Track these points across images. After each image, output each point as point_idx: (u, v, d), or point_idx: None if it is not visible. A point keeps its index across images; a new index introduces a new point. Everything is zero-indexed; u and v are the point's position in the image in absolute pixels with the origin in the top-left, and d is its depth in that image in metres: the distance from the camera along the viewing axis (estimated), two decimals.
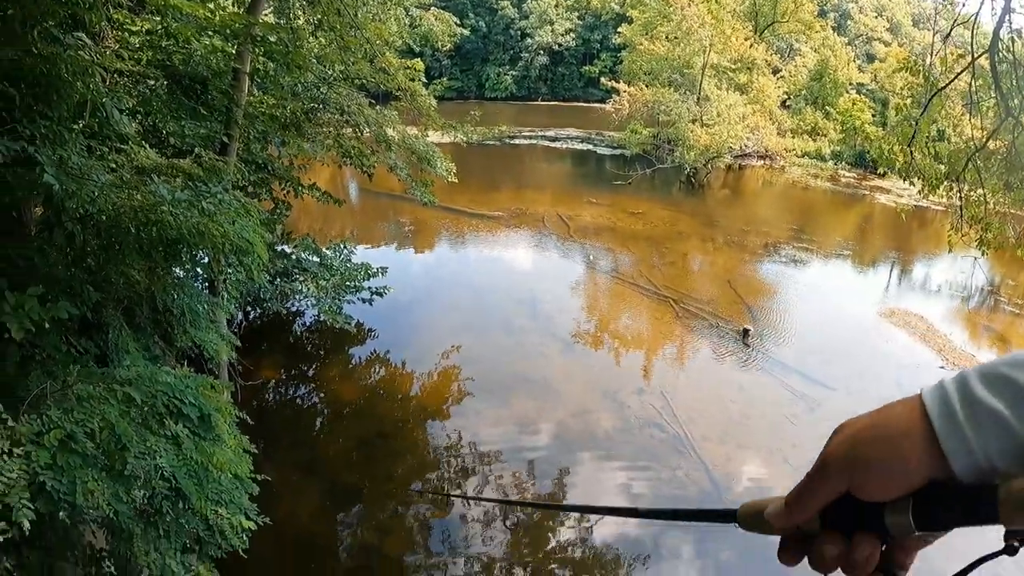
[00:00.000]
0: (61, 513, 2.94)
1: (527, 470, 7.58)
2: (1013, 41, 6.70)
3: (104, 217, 4.06)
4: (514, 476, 7.45)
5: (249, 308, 9.94)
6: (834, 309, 12.65)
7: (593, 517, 6.79)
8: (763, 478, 7.64)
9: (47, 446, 3.03)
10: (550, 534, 6.59)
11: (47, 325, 3.42)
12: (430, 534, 6.53)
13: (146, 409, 3.83)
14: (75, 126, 3.89)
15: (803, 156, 28.07)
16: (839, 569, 0.54)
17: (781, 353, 10.56)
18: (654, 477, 7.57)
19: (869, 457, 0.52)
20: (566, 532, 6.64)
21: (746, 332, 11.10)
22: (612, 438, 8.37)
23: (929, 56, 7.50)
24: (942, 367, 10.09)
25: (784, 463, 7.92)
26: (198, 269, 7.55)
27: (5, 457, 2.79)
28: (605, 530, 6.63)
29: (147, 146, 4.82)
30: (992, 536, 0.51)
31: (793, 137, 28.76)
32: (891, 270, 15.27)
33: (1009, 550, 0.51)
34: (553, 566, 6.18)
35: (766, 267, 14.97)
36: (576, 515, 6.86)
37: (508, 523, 6.68)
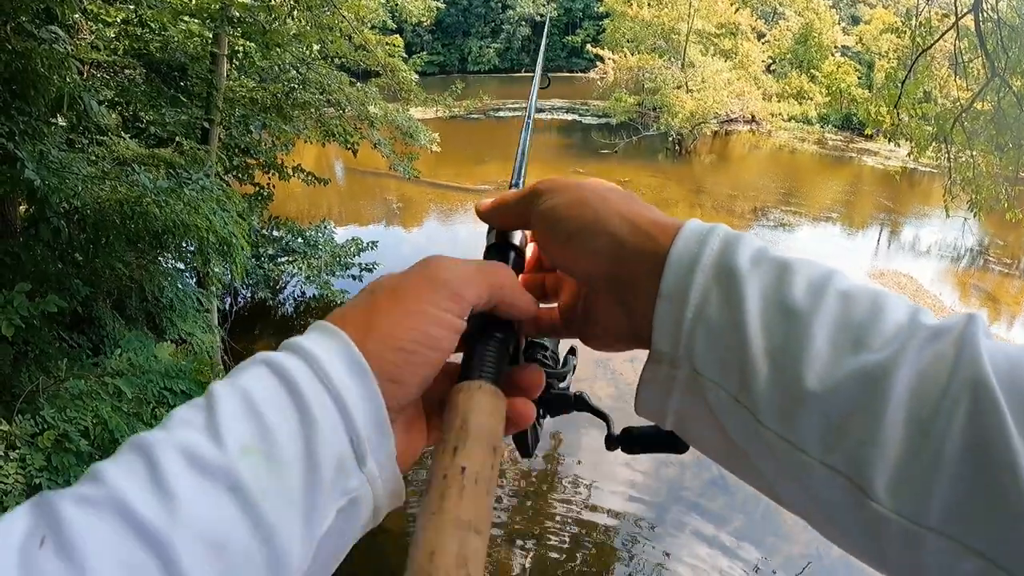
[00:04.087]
0: None
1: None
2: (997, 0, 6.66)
3: (88, 211, 4.02)
4: (509, 449, 7.45)
5: (240, 294, 9.88)
6: None
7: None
8: None
9: (42, 447, 3.03)
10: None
11: (36, 322, 3.40)
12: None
13: (137, 400, 3.82)
14: (54, 120, 3.83)
15: (789, 120, 27.86)
16: None
17: None
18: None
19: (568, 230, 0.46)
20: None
21: None
22: (608, 408, 8.34)
23: (914, 18, 7.44)
24: None
25: None
26: (182, 262, 7.51)
27: (1, 462, 2.79)
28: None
29: (127, 137, 4.76)
30: None
31: (779, 101, 28.57)
32: (880, 232, 15.26)
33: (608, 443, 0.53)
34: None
35: (755, 232, 14.93)
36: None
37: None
